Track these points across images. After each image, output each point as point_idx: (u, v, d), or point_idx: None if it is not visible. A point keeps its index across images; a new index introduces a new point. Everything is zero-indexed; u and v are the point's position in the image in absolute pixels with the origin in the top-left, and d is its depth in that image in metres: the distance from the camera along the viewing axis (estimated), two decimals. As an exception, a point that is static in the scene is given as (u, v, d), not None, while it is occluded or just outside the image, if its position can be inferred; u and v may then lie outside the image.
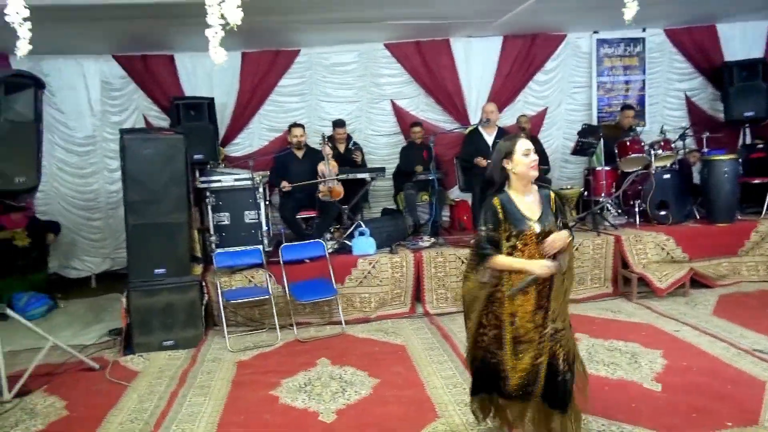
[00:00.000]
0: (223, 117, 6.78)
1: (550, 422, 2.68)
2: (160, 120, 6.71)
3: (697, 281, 5.55)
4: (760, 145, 6.74)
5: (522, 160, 2.60)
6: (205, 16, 2.69)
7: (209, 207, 5.45)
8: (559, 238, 2.55)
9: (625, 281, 5.58)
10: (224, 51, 2.67)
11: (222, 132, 6.76)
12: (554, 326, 2.60)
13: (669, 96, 7.52)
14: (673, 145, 6.14)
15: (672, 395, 3.36)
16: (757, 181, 6.23)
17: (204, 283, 5.01)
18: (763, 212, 6.05)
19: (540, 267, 2.53)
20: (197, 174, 5.59)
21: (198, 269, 5.15)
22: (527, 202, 2.64)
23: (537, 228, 2.58)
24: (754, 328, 4.37)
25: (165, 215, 4.75)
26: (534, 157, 2.61)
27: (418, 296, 5.41)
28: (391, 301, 5.35)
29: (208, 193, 5.44)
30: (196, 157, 5.70)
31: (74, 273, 6.79)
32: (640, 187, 6.12)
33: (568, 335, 2.68)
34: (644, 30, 7.24)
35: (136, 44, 6.24)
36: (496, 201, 2.62)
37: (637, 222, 6.02)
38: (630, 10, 2.29)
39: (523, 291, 2.56)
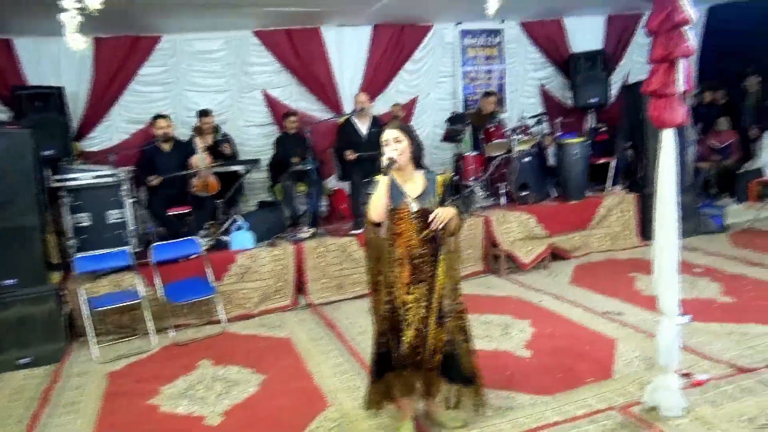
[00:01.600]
0: (76, 108, 6.19)
1: (442, 393, 2.83)
2: (-1, 113, 5.97)
3: (556, 254, 6.10)
4: (603, 129, 7.53)
5: (384, 151, 2.68)
6: (50, -3, 2.43)
7: (66, 208, 4.97)
8: (444, 211, 2.63)
9: (495, 258, 5.98)
10: (83, 37, 2.43)
11: (75, 125, 6.18)
12: (446, 303, 2.76)
13: (526, 84, 8.10)
14: (531, 131, 6.65)
15: (540, 359, 3.68)
16: (602, 161, 6.94)
17: (64, 292, 4.58)
18: (606, 188, 6.76)
19: (388, 154, 2.62)
20: (50, 172, 5.06)
21: (56, 277, 4.69)
22: (409, 186, 2.73)
23: (414, 206, 2.68)
24: (604, 293, 4.90)
25: (13, 219, 4.26)
26: (391, 147, 2.66)
27: (301, 288, 5.38)
28: (274, 294, 5.26)
29: (64, 193, 4.95)
30: (45, 153, 5.17)
31: None
32: (504, 171, 6.56)
33: (459, 311, 2.85)
34: (503, 21, 7.72)
35: (-38, 28, 5.47)
36: (379, 178, 2.67)
37: (503, 203, 6.45)
38: (493, 5, 2.45)
39: (388, 169, 2.61)
